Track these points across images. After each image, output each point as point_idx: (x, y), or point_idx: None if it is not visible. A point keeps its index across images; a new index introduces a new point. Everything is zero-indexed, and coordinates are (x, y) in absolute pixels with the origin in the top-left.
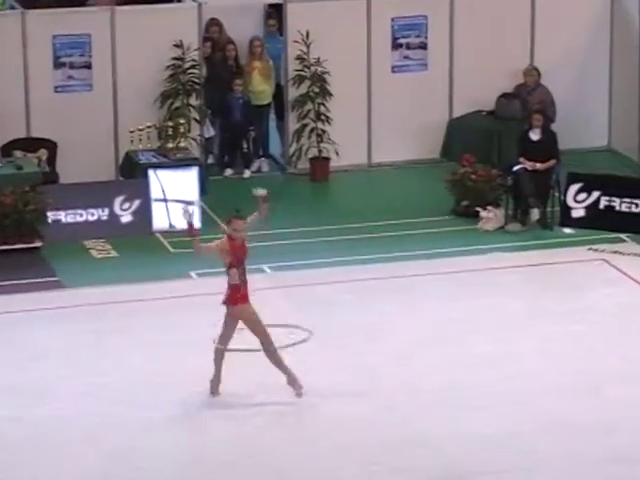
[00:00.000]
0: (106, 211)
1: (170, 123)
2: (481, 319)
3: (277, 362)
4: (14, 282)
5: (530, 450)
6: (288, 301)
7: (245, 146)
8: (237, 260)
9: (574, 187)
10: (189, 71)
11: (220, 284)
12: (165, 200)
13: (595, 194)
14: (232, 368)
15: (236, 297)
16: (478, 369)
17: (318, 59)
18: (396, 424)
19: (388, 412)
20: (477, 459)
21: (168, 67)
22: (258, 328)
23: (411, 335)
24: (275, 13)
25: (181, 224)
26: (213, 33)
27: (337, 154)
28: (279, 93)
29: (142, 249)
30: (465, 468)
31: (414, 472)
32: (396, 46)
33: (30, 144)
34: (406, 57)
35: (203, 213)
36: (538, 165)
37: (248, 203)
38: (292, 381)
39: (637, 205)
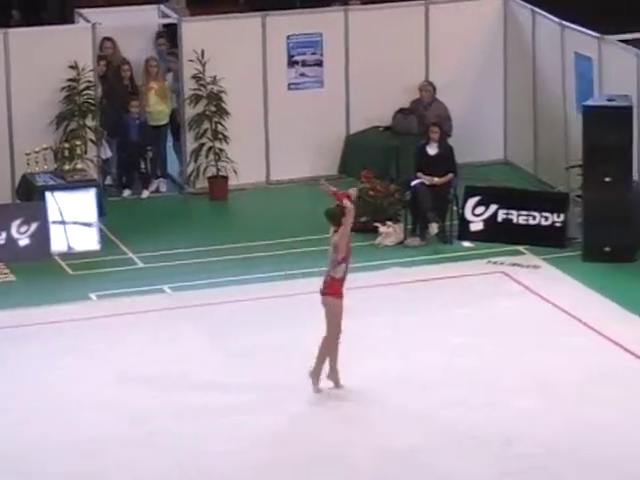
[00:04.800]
0: (3, 235)
1: (66, 145)
2: (382, 335)
3: (325, 352)
4: None
5: (432, 464)
6: (189, 321)
7: (143, 166)
8: (346, 259)
9: (472, 201)
10: (84, 92)
11: (119, 307)
12: (63, 222)
13: (493, 207)
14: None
15: (339, 290)
16: (381, 385)
17: (214, 78)
18: (305, 439)
19: (300, 426)
20: (383, 473)
21: (63, 88)
22: (335, 321)
23: (315, 352)
24: (166, 32)
25: None
26: (107, 49)
27: (235, 173)
28: (174, 114)
29: (41, 272)
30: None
31: None
32: (292, 63)
33: None
34: (302, 74)
35: (102, 235)
36: (436, 179)
37: (148, 223)
38: (333, 376)
39: (534, 217)
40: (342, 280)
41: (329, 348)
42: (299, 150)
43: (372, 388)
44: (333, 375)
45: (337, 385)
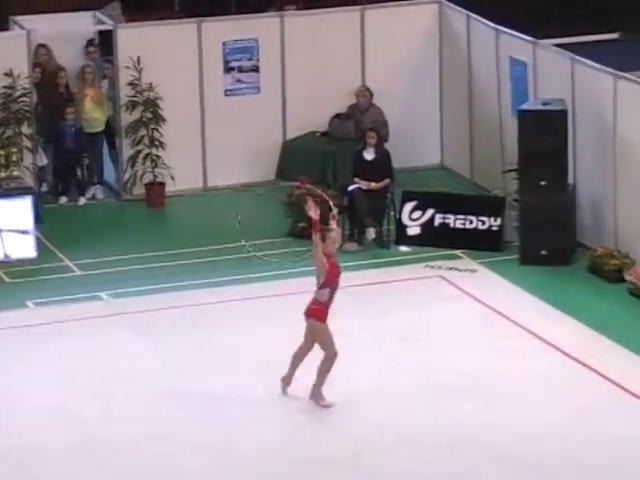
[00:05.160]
0: None
1: (2, 152)
2: None
3: (323, 371)
4: None
5: (373, 468)
6: (128, 328)
7: (79, 173)
8: (330, 282)
9: (409, 205)
10: (20, 99)
11: (56, 314)
12: None
13: (430, 212)
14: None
15: (322, 314)
16: (324, 388)
17: (150, 84)
18: (245, 444)
19: (234, 431)
20: (326, 477)
21: None
22: (322, 343)
23: (256, 356)
24: (99, 40)
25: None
26: (42, 56)
27: (172, 179)
28: (110, 121)
29: None
30: None
31: None
32: (228, 69)
33: None
34: (239, 80)
35: (38, 242)
36: (373, 184)
37: (84, 230)
38: (315, 394)
39: (471, 221)
40: (326, 304)
41: (326, 367)
42: (236, 156)
43: (302, 394)
44: (316, 392)
45: (320, 403)
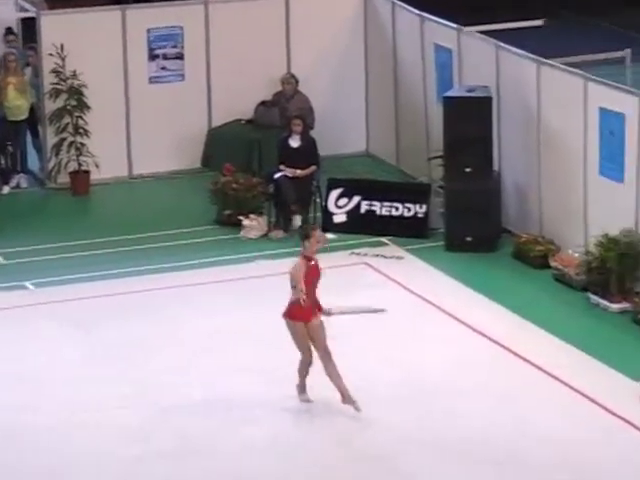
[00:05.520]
0: None
1: None
2: (249, 327)
3: (329, 372)
4: None
5: (304, 455)
6: (53, 317)
7: (3, 162)
8: (306, 284)
9: (335, 193)
10: None
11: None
12: None
13: (356, 199)
14: None
15: (291, 312)
16: (245, 378)
17: (74, 72)
18: (169, 432)
19: (161, 422)
20: (249, 465)
21: None
22: (297, 343)
23: (181, 346)
24: (20, 27)
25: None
26: None
27: (97, 167)
28: (33, 110)
29: None
30: (238, 475)
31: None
32: (153, 57)
33: None
34: (163, 68)
35: None
36: (298, 172)
37: (9, 219)
38: (301, 389)
39: (397, 208)
40: (298, 304)
41: (325, 365)
42: (161, 144)
43: (228, 381)
44: (300, 387)
45: (302, 396)
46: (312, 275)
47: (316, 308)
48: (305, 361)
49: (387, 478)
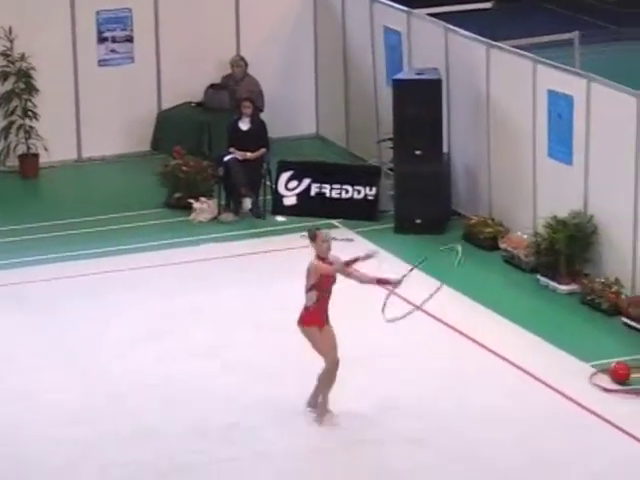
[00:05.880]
0: None
1: None
2: (199, 310)
3: (322, 385)
4: None
5: (254, 438)
6: (1, 300)
7: None
8: (319, 286)
9: (285, 175)
10: None
11: None
12: None
13: (306, 181)
14: None
15: (309, 319)
16: (199, 360)
17: (23, 55)
18: (122, 417)
19: (116, 406)
20: (201, 451)
21: None
22: (318, 349)
23: (132, 329)
24: None
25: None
26: None
27: (46, 150)
28: None
29: None
30: (191, 460)
31: (141, 465)
32: (102, 40)
33: None
34: (112, 50)
35: None
36: (248, 154)
37: None
38: (317, 405)
39: (347, 191)
40: (312, 308)
41: (324, 378)
42: (110, 127)
43: (180, 364)
44: (321, 406)
45: (319, 418)
46: (328, 276)
47: (328, 313)
48: (331, 365)
49: None
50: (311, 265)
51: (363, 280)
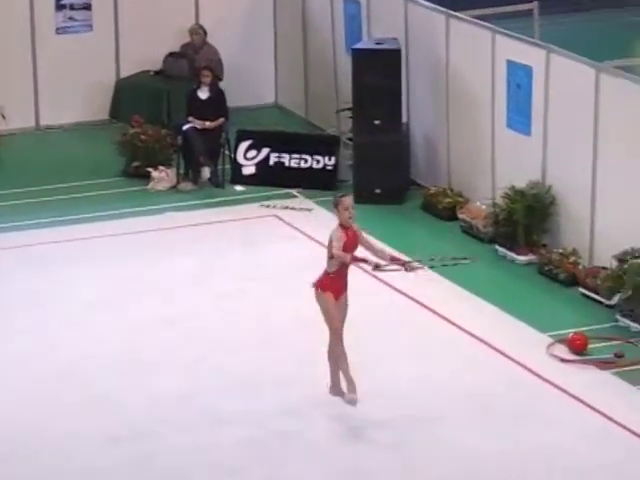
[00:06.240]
0: None
1: None
2: (156, 279)
3: (334, 362)
4: None
5: (211, 407)
6: None
7: None
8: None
9: (244, 144)
10: None
11: None
12: None
13: (265, 151)
14: None
15: (327, 284)
16: (155, 329)
17: None
18: (76, 387)
19: (71, 375)
20: (157, 418)
21: None
22: (326, 317)
23: (87, 298)
24: None
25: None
26: None
27: (4, 118)
28: None
29: None
30: (146, 427)
31: (96, 433)
32: (60, 7)
33: None
34: (71, 18)
35: None
36: (207, 124)
37: None
38: (337, 388)
39: (306, 160)
40: (332, 275)
41: (331, 350)
42: (69, 95)
43: (140, 329)
44: (337, 385)
45: (352, 397)
46: (349, 245)
47: (346, 284)
48: (334, 332)
49: None
50: (332, 233)
51: (377, 254)
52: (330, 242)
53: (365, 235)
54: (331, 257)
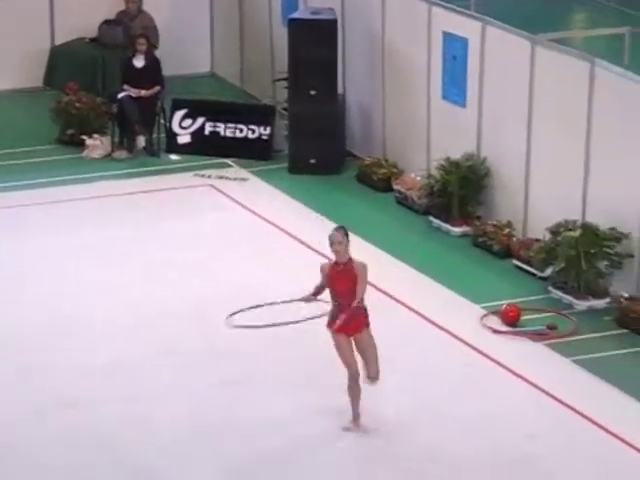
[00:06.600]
0: None
1: None
2: (89, 247)
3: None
4: None
5: (139, 378)
6: None
7: None
8: (329, 287)
9: (179, 113)
10: None
11: None
12: None
13: (200, 120)
14: None
15: (330, 321)
16: (86, 298)
17: None
18: (5, 358)
19: (1, 345)
20: (84, 388)
21: None
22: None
23: (17, 267)
24: None
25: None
26: None
27: None
28: None
29: None
30: (71, 396)
31: (26, 403)
32: None
33: None
34: None
35: None
36: (143, 92)
37: None
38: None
39: (241, 130)
40: (332, 312)
41: (352, 391)
42: (2, 62)
43: (71, 298)
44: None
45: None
46: (334, 280)
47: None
48: (353, 380)
49: None
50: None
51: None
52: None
53: (362, 272)
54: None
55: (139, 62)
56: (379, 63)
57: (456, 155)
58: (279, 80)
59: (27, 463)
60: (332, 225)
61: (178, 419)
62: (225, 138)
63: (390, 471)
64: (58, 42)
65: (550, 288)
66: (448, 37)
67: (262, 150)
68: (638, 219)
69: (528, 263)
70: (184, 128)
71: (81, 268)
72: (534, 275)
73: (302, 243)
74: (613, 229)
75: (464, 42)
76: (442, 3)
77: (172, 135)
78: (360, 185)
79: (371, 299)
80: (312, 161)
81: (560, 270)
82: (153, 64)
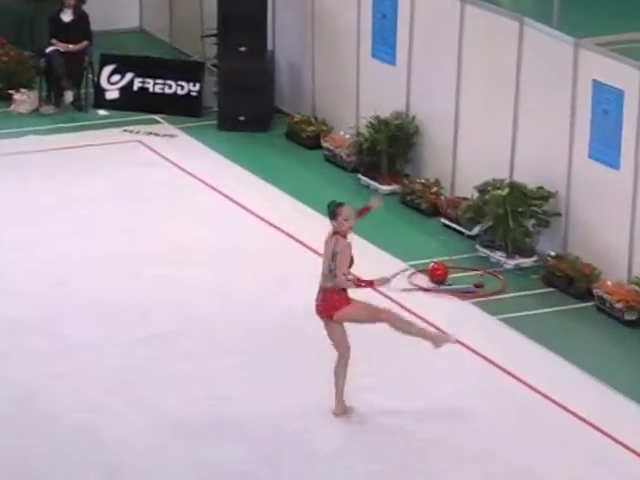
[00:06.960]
0: None
1: None
2: (13, 203)
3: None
4: None
5: (69, 333)
6: None
7: None
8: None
9: (108, 69)
10: None
11: None
12: None
13: (129, 75)
14: None
15: (328, 306)
16: (11, 255)
17: None
18: None
19: None
20: (13, 344)
21: None
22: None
23: None
24: None
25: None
26: None
27: None
28: None
29: None
30: (5, 351)
31: None
32: None
33: None
34: None
35: None
36: (71, 47)
37: None
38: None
39: (170, 86)
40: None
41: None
42: None
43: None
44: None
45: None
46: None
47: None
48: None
49: None
50: (336, 246)
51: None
52: (333, 255)
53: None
54: (342, 273)
55: (67, 16)
56: (309, 20)
57: (385, 113)
58: (208, 36)
59: None
60: (259, 182)
61: (106, 371)
62: (154, 94)
63: None
64: None
65: (478, 246)
66: None
67: (191, 107)
68: (565, 178)
69: (456, 221)
70: (112, 84)
71: (6, 225)
72: (462, 233)
73: (232, 201)
74: (540, 188)
75: (394, 1)
76: None
77: (100, 90)
78: (289, 142)
79: (298, 257)
80: (241, 118)
81: (487, 229)
82: (81, 19)
